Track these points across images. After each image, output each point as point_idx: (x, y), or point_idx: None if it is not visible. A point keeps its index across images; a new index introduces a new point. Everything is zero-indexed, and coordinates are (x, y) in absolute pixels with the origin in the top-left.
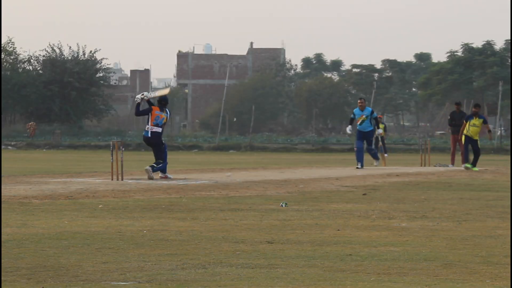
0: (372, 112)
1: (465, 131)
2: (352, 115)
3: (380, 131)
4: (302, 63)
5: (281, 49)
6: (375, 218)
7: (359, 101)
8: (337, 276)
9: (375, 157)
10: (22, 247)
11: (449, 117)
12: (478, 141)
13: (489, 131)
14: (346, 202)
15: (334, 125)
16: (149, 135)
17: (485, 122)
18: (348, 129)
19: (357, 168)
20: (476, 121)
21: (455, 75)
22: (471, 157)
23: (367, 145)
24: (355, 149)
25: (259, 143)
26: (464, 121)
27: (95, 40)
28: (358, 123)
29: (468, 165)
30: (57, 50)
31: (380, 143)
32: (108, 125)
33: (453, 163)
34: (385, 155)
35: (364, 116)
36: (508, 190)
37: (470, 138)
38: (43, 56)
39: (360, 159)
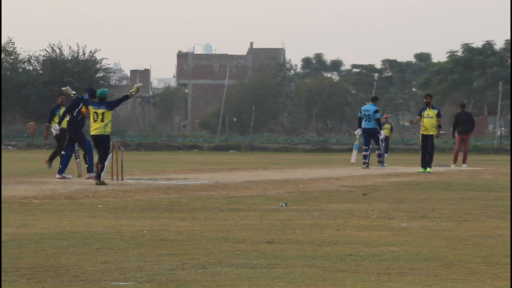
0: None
1: (421, 129)
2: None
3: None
4: (302, 63)
5: (281, 49)
6: (375, 218)
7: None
8: (337, 276)
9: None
10: (22, 247)
11: (453, 119)
12: (434, 137)
13: (439, 126)
14: (346, 202)
15: (334, 125)
16: None
17: (438, 115)
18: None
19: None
20: (430, 111)
21: (455, 75)
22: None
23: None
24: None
25: (259, 143)
26: (418, 116)
27: (95, 40)
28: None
29: (421, 170)
30: (57, 50)
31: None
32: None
33: (455, 162)
34: (385, 155)
35: None
36: (508, 190)
37: (426, 136)
38: (43, 56)
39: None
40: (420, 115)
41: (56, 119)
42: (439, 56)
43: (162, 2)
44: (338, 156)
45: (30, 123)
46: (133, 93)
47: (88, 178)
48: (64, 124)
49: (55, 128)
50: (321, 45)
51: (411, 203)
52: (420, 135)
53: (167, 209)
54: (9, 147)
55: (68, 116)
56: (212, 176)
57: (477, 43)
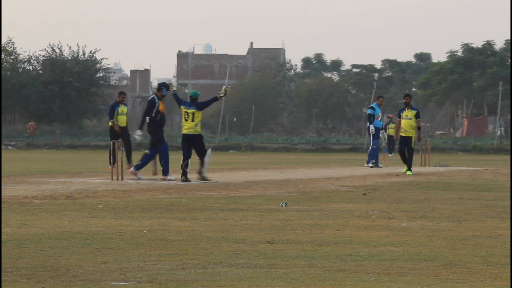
0: None
1: (400, 131)
2: (372, 111)
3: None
4: (302, 63)
5: (281, 49)
6: (375, 218)
7: (382, 98)
8: (337, 276)
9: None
10: (22, 247)
11: None
12: (413, 139)
13: (419, 128)
14: (346, 202)
15: (334, 125)
16: None
17: (417, 116)
18: (373, 127)
19: (372, 167)
20: (408, 112)
21: (455, 75)
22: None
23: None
24: (374, 147)
25: (259, 143)
26: (398, 118)
27: (95, 40)
28: (378, 119)
29: (404, 170)
30: (57, 50)
31: (386, 142)
32: (108, 125)
33: None
34: (390, 155)
35: (380, 114)
36: (508, 190)
37: (404, 138)
38: (43, 56)
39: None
40: (400, 116)
41: (118, 117)
42: (439, 56)
43: (162, 2)
44: (338, 156)
45: (30, 123)
46: (221, 95)
47: (162, 179)
48: (123, 122)
49: (137, 133)
50: (321, 45)
51: (411, 203)
52: (399, 137)
53: (167, 209)
54: (9, 147)
55: (148, 118)
56: (212, 176)
57: (477, 43)
